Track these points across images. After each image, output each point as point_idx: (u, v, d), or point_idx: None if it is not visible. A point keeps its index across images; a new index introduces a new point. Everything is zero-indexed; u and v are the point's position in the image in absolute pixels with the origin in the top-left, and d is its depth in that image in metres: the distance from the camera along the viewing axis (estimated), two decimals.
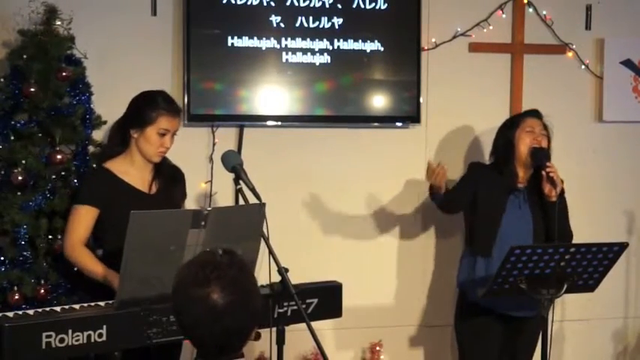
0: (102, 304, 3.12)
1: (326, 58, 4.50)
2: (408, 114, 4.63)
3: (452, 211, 4.22)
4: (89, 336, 2.88)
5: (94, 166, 3.79)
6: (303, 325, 2.99)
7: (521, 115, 4.21)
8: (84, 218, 3.52)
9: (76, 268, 3.60)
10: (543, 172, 3.94)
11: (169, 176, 3.71)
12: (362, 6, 4.54)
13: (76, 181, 3.79)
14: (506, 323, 4.05)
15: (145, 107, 3.57)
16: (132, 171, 3.61)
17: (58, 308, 3.07)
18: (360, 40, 4.54)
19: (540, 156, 3.98)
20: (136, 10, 4.30)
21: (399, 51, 4.61)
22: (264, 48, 4.41)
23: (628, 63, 4.93)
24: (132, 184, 3.59)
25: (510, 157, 4.04)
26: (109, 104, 3.96)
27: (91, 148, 3.94)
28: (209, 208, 3.20)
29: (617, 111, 4.96)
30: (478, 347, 4.08)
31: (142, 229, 2.95)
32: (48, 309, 3.06)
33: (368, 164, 4.66)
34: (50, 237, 3.75)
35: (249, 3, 4.38)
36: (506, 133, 4.09)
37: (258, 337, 3.34)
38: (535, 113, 4.14)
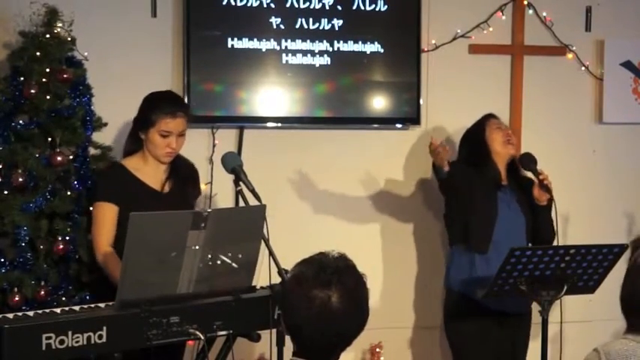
0: (102, 305, 3.12)
1: (326, 60, 4.50)
2: (408, 115, 4.63)
3: (451, 188, 4.17)
4: (89, 337, 2.87)
5: (111, 162, 3.85)
6: None
7: (482, 119, 4.27)
8: (107, 216, 3.56)
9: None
10: (535, 179, 4.04)
11: (185, 175, 3.74)
12: (362, 7, 4.54)
13: (76, 183, 3.79)
14: (501, 322, 4.08)
15: (146, 110, 3.62)
16: (146, 169, 3.65)
17: (57, 310, 3.06)
18: (360, 42, 4.53)
19: (528, 162, 4.10)
20: (136, 11, 4.30)
21: (399, 52, 4.61)
22: (264, 49, 4.41)
23: (628, 64, 4.93)
24: (146, 182, 3.63)
25: (488, 156, 4.13)
26: (110, 106, 3.96)
27: (91, 150, 3.94)
28: (209, 210, 3.20)
29: (617, 112, 4.96)
30: (476, 349, 4.08)
31: (141, 231, 2.95)
32: (48, 310, 3.05)
33: (368, 166, 4.66)
34: (51, 238, 3.75)
35: (249, 4, 4.38)
36: (476, 137, 4.19)
37: (258, 338, 3.35)
38: (493, 115, 4.29)
